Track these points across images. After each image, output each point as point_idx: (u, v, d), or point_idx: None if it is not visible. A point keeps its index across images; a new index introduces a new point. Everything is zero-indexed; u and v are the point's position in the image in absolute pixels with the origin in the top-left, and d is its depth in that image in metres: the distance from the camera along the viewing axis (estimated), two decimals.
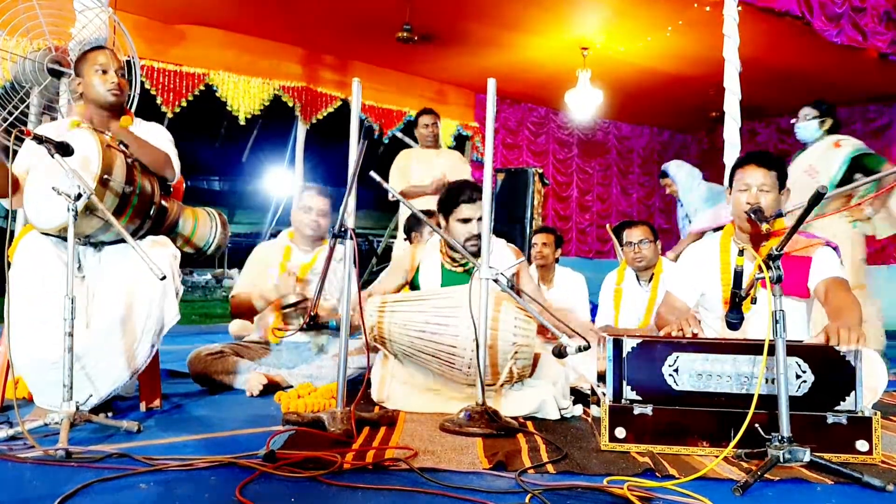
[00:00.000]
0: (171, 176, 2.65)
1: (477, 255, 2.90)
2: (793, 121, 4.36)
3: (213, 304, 10.72)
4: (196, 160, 11.37)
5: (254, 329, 3.41)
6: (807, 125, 4.26)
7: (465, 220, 2.89)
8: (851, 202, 4.15)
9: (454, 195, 2.93)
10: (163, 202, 2.62)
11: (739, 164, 2.61)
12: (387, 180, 2.45)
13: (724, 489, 1.69)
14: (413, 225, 4.25)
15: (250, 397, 2.90)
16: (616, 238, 5.12)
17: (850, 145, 4.14)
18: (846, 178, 4.05)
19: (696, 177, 5.26)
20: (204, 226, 2.79)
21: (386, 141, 7.68)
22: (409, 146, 7.75)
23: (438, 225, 2.99)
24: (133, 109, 2.95)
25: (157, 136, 2.69)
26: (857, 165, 4.07)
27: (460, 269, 2.97)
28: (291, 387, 2.95)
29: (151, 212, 2.54)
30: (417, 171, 5.00)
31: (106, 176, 2.29)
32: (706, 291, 2.71)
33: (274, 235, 3.83)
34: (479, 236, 2.81)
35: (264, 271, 3.35)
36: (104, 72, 2.58)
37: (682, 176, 5.27)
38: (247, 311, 3.32)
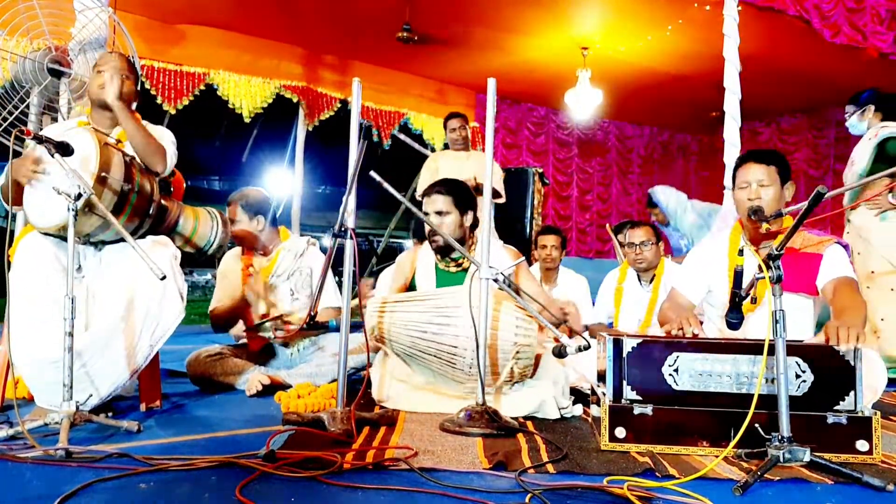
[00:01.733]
0: (161, 168, 2.60)
1: (440, 251, 2.91)
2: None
3: None
4: (196, 160, 11.35)
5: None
6: (851, 122, 4.14)
7: (426, 215, 2.89)
8: (867, 193, 3.93)
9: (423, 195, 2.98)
10: (162, 201, 2.61)
11: (738, 164, 2.63)
12: (389, 181, 2.44)
13: (724, 489, 1.69)
14: (416, 228, 4.26)
15: (250, 397, 2.90)
16: (616, 238, 5.12)
17: (880, 135, 3.91)
18: (879, 167, 3.77)
19: (683, 202, 5.29)
20: (205, 225, 2.79)
21: (387, 147, 7.69)
22: (409, 146, 7.76)
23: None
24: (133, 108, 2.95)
25: (161, 138, 2.67)
26: (883, 152, 3.87)
27: (454, 269, 2.97)
28: (291, 386, 2.95)
29: (151, 210, 2.54)
30: (447, 174, 4.99)
31: (104, 174, 2.29)
32: (713, 289, 2.71)
33: None
34: (436, 232, 2.81)
35: (233, 281, 3.37)
36: None
37: (672, 204, 5.31)
38: (225, 324, 3.35)
